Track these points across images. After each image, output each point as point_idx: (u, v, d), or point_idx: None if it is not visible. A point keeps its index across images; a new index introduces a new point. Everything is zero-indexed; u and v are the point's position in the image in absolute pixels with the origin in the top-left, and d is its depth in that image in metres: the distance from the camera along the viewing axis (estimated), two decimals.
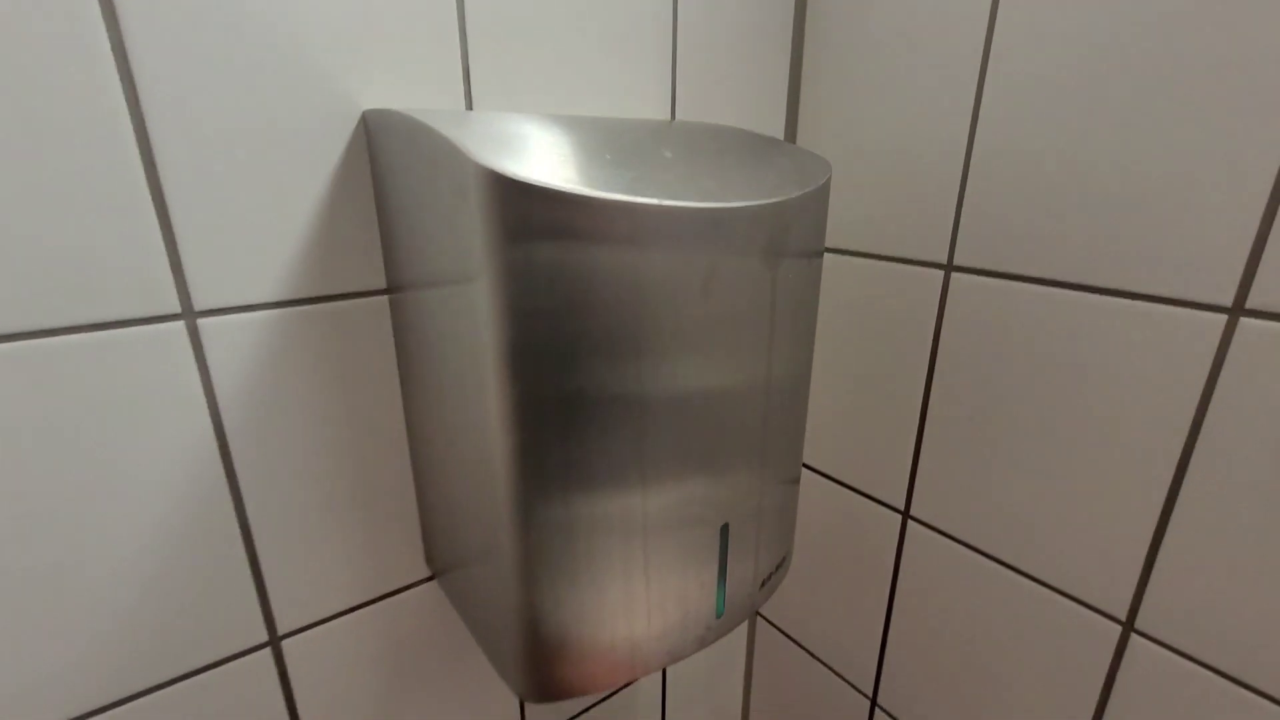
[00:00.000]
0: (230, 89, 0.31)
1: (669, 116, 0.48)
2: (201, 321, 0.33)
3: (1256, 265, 0.33)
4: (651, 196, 0.26)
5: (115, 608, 0.34)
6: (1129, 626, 0.42)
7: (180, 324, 0.32)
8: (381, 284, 0.38)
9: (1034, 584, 0.46)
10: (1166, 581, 0.39)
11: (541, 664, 0.32)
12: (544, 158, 0.27)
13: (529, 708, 0.54)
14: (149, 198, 0.30)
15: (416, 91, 0.36)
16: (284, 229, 0.34)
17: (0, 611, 0.31)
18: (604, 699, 0.61)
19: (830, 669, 0.65)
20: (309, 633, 0.41)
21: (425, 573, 0.45)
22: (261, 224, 0.33)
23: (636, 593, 0.33)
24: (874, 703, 0.61)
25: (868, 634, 0.60)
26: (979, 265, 0.45)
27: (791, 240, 0.32)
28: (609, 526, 0.31)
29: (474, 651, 0.49)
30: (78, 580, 0.32)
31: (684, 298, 0.29)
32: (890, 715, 0.60)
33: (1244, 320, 0.34)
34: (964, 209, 0.45)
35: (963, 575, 0.51)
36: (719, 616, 0.36)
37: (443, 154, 0.26)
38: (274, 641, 0.39)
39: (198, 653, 0.37)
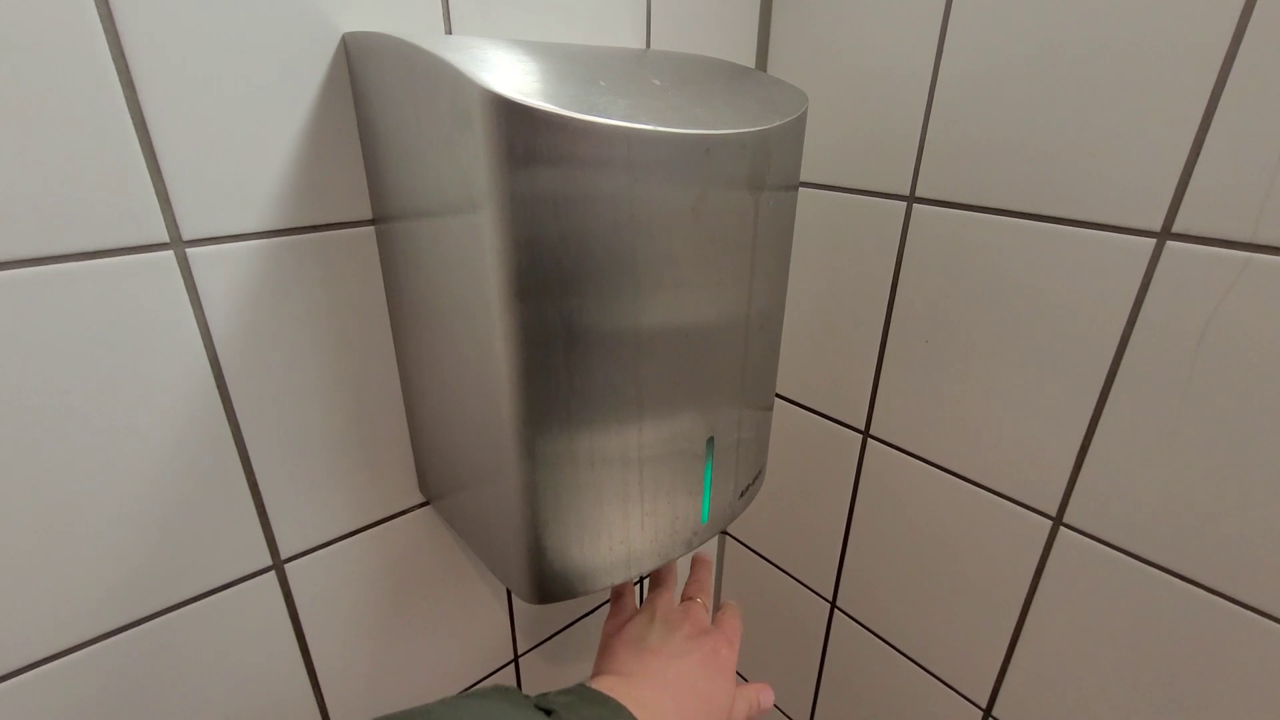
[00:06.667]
0: (208, 11, 0.30)
1: (644, 45, 0.48)
2: (191, 251, 0.32)
3: (1183, 195, 0.37)
4: (649, 124, 0.27)
5: (123, 540, 0.34)
6: (1058, 521, 0.47)
7: (169, 253, 0.32)
8: (367, 214, 0.38)
9: (977, 489, 0.51)
10: (1093, 481, 0.45)
11: (545, 573, 0.35)
12: (542, 83, 0.27)
13: (517, 614, 0.58)
14: (130, 122, 0.30)
15: (395, 14, 0.36)
16: (268, 157, 0.34)
17: (7, 542, 0.31)
18: (588, 613, 0.65)
19: (794, 578, 0.71)
20: (311, 556, 0.42)
21: (419, 499, 0.47)
22: (245, 152, 0.33)
23: (633, 505, 0.36)
24: (834, 605, 0.67)
25: (829, 545, 0.65)
26: (938, 196, 0.48)
27: (773, 166, 0.33)
28: (608, 454, 0.33)
29: (465, 568, 0.51)
30: (83, 516, 0.33)
31: (676, 222, 0.30)
32: (848, 615, 0.66)
33: (1170, 244, 0.38)
34: (927, 140, 0.47)
35: (915, 485, 0.56)
36: (704, 523, 0.40)
37: (442, 78, 0.27)
38: (278, 565, 0.41)
39: (207, 577, 0.38)
